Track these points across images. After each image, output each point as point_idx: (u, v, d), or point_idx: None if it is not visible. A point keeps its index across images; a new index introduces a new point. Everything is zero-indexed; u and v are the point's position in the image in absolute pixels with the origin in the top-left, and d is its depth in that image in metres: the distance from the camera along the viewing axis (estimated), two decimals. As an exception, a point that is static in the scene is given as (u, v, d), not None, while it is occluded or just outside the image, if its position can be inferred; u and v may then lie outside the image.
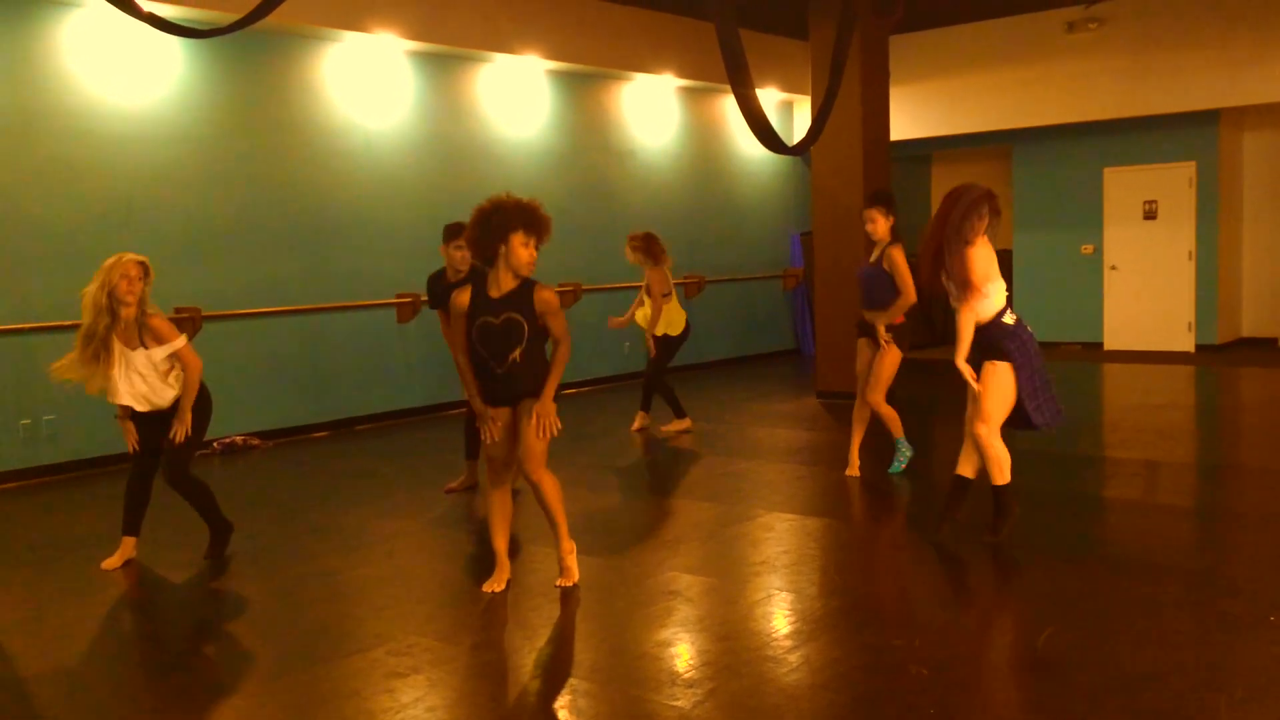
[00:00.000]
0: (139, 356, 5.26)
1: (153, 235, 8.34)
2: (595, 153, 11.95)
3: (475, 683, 4.00)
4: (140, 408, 5.35)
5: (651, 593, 4.85)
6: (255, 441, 8.81)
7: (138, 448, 5.47)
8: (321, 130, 9.48)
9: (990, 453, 5.28)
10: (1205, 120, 12.63)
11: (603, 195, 12.00)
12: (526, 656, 4.20)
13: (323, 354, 9.48)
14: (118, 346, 5.24)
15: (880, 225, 6.84)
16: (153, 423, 5.43)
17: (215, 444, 8.62)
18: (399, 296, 10.00)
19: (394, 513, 6.55)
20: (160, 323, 5.33)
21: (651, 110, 12.64)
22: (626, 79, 12.16)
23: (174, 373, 5.38)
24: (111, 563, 5.52)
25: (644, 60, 11.91)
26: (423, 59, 10.21)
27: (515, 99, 11.08)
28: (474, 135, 10.72)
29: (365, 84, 9.78)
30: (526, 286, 4.71)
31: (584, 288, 11.50)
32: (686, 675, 3.91)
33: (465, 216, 11.11)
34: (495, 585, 4.93)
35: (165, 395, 5.36)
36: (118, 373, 5.25)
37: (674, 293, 8.93)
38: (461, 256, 6.53)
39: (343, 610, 4.82)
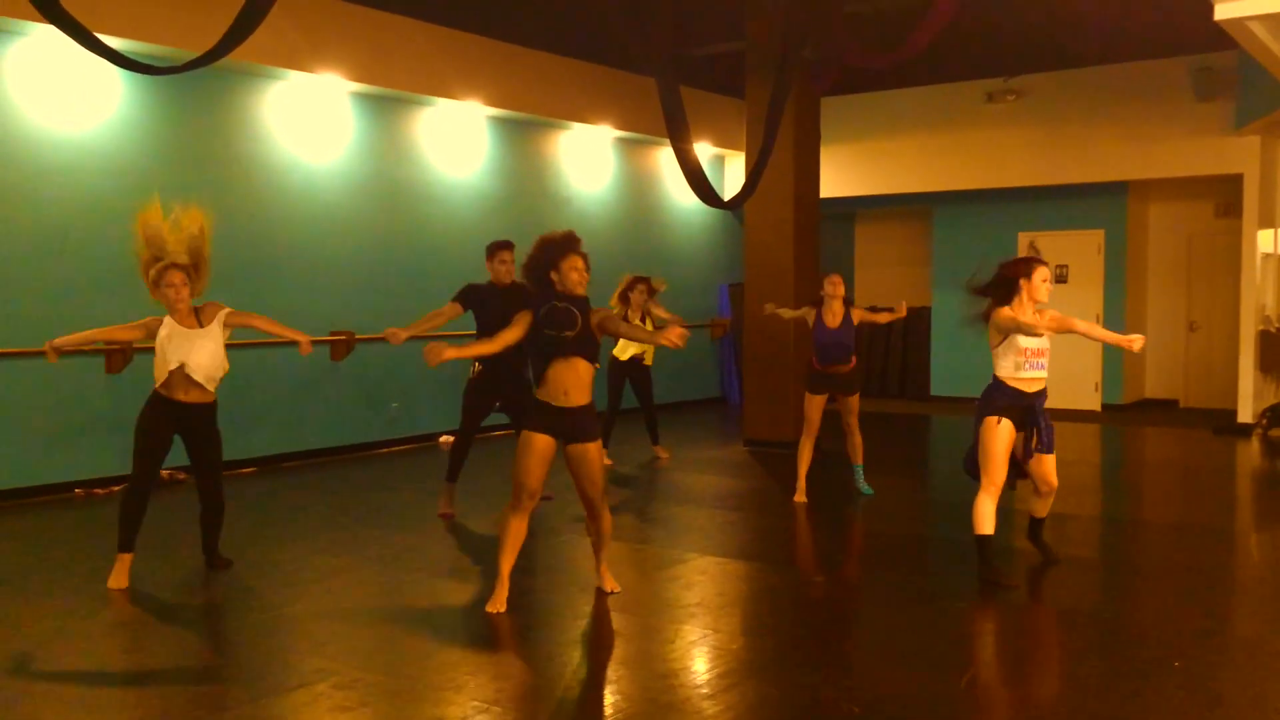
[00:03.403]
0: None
1: (87, 266, 8.29)
2: (533, 198, 12.14)
3: (421, 718, 4.07)
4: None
5: (588, 633, 4.97)
6: (181, 476, 8.71)
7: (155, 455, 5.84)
8: (262, 167, 9.51)
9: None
10: (1114, 191, 13.29)
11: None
12: (469, 694, 4.29)
13: (254, 389, 9.43)
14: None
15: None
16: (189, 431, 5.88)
17: (141, 477, 8.51)
18: (333, 334, 10.01)
19: (329, 549, 6.57)
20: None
21: (589, 159, 12.89)
22: (565, 128, 12.40)
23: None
24: (118, 582, 5.68)
25: (583, 111, 12.16)
26: (366, 100, 10.32)
27: (456, 143, 11.24)
28: (414, 177, 10.84)
29: (307, 123, 9.84)
30: None
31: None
32: (624, 714, 4.04)
33: (403, 256, 11.26)
34: (498, 605, 5.17)
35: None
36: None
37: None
38: (506, 270, 7.36)
39: (284, 645, 4.85)
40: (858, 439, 8.09)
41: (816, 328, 7.89)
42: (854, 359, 7.95)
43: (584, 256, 5.23)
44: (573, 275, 5.17)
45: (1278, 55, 8.15)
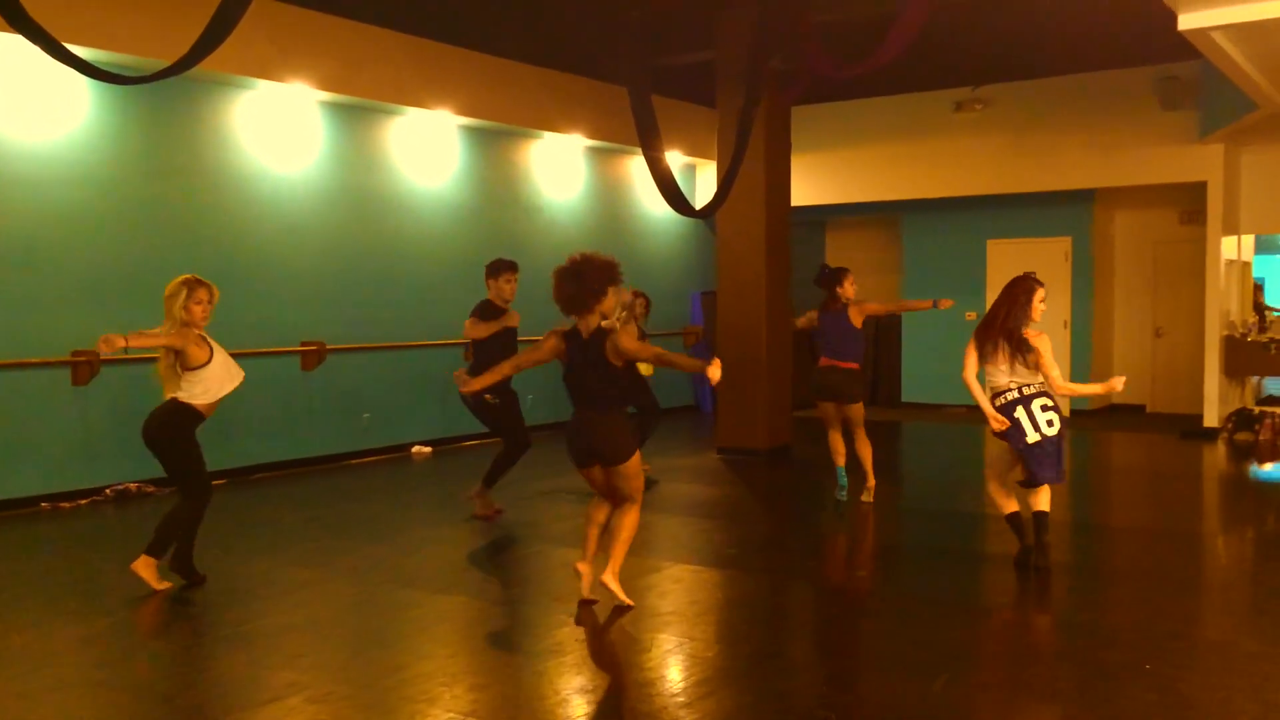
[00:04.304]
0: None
1: (54, 277, 8.19)
2: (504, 207, 12.12)
3: (395, 730, 4.05)
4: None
5: (565, 642, 4.96)
6: (150, 489, 8.62)
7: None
8: (230, 176, 9.44)
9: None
10: (1081, 199, 13.44)
11: (510, 249, 12.00)
12: (443, 706, 4.27)
13: (225, 401, 9.32)
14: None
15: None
16: None
17: (108, 490, 8.43)
18: (304, 344, 9.95)
19: (301, 561, 6.52)
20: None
21: (560, 168, 12.89)
22: (536, 137, 12.40)
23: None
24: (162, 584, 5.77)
25: (554, 119, 12.16)
26: (335, 109, 10.28)
27: (426, 152, 11.20)
28: (385, 186, 10.80)
29: (276, 132, 9.78)
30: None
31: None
32: (604, 721, 4.03)
33: (373, 266, 11.13)
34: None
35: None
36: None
37: None
38: (511, 289, 7.47)
39: (256, 658, 4.80)
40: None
41: (846, 327, 7.94)
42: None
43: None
44: (611, 300, 5.33)
45: (1240, 65, 8.28)
